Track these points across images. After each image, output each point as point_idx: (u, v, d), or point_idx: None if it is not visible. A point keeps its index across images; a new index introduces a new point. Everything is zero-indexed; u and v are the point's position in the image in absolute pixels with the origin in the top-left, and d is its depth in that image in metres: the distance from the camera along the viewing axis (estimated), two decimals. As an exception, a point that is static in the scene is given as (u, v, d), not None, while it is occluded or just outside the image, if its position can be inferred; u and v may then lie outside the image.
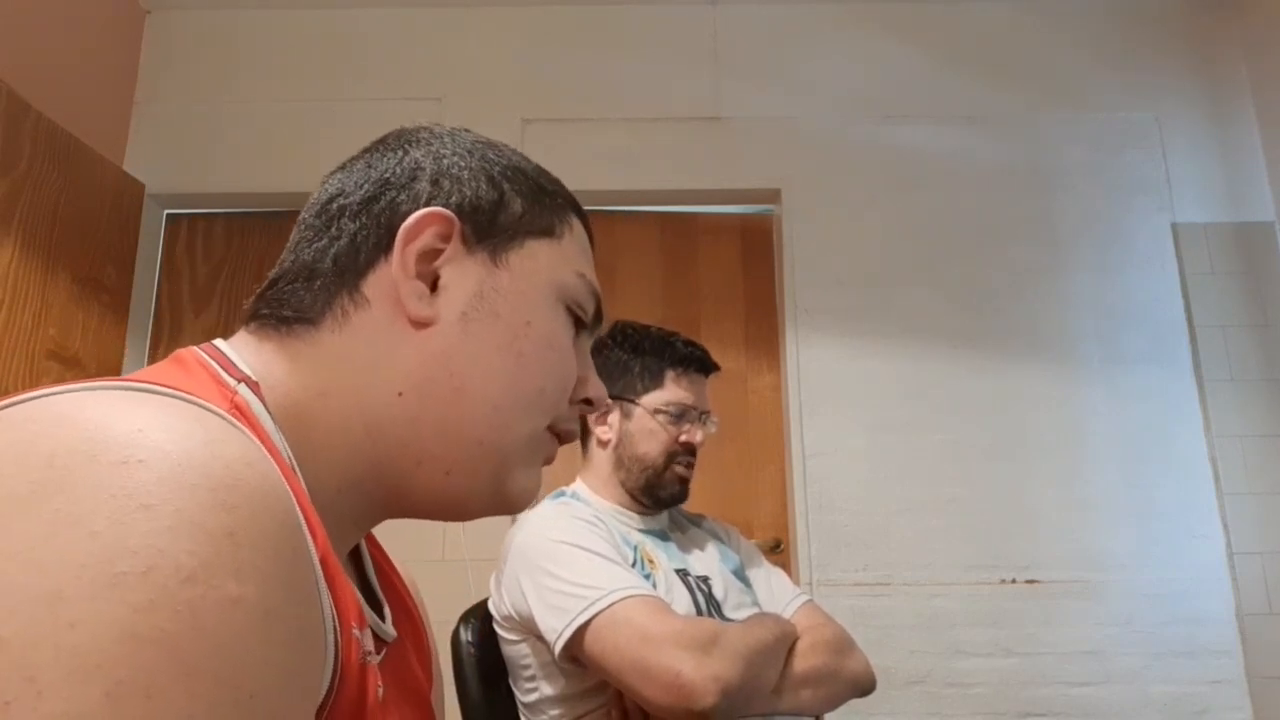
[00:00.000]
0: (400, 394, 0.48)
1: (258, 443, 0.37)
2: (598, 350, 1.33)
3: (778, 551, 2.41)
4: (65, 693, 0.27)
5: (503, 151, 0.56)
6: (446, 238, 0.51)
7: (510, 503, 0.53)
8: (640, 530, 1.26)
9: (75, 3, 2.36)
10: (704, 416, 1.30)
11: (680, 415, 1.27)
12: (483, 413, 0.50)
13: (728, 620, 1.19)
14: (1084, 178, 2.56)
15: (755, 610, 1.24)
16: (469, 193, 0.52)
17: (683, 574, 1.22)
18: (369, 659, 0.42)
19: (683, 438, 1.26)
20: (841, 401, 2.41)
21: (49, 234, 2.06)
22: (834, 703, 1.13)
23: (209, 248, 2.58)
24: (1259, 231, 2.51)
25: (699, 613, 1.17)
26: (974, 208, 2.54)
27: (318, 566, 0.37)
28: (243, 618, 0.30)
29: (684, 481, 1.28)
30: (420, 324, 0.49)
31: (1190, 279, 2.48)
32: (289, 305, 0.50)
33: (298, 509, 0.37)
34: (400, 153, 0.53)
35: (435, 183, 0.52)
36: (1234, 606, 2.27)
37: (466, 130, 0.57)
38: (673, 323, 1.39)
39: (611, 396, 1.29)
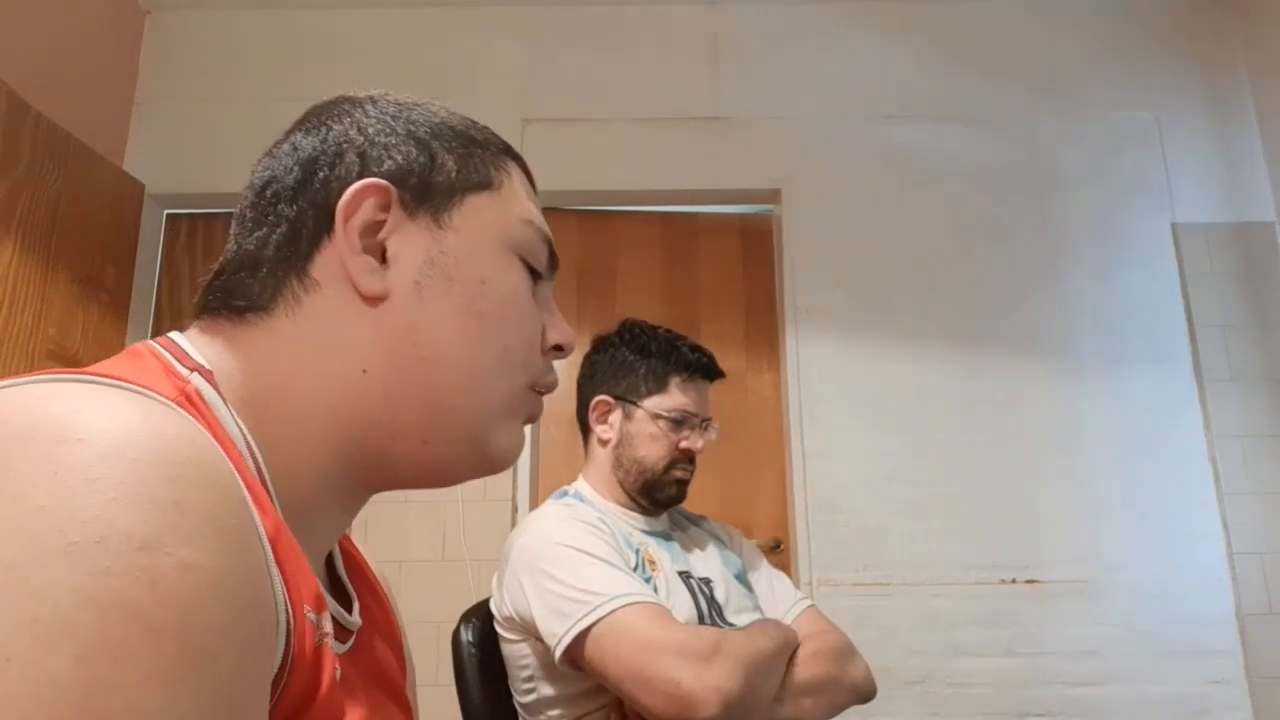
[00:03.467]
0: (365, 371, 0.48)
1: (200, 425, 0.37)
2: (604, 348, 1.33)
3: (778, 552, 2.41)
4: (35, 659, 0.27)
5: (426, 110, 0.55)
6: (386, 207, 0.50)
7: (495, 463, 0.53)
8: (643, 531, 1.26)
9: (75, 3, 2.36)
10: (705, 424, 1.30)
11: (682, 422, 1.26)
12: (452, 379, 0.50)
13: (729, 624, 1.19)
14: (1084, 178, 2.56)
15: (757, 613, 1.24)
16: (399, 158, 0.51)
17: (685, 576, 1.22)
18: (325, 641, 0.42)
19: (683, 444, 1.26)
20: (841, 401, 2.41)
21: (49, 234, 2.06)
22: (834, 711, 1.12)
23: (209, 248, 2.58)
24: (1259, 231, 2.51)
25: (700, 615, 1.17)
26: (974, 208, 2.53)
27: (266, 545, 0.38)
28: (198, 583, 0.31)
29: (682, 484, 1.28)
30: (374, 299, 0.49)
31: (1190, 279, 2.48)
32: (238, 295, 0.49)
33: (243, 488, 0.37)
34: (323, 129, 0.52)
35: (363, 154, 0.51)
36: (1234, 606, 2.27)
37: (385, 93, 0.56)
38: (673, 322, 1.39)
39: (614, 396, 1.29)
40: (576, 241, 2.64)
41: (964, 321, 2.45)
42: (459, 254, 0.51)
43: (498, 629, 1.21)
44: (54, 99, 2.14)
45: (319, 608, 0.42)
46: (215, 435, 0.39)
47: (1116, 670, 2.22)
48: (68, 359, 2.10)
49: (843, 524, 2.33)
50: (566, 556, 1.09)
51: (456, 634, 1.24)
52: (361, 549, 0.63)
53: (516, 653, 1.17)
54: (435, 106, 0.56)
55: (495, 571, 1.23)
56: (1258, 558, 2.30)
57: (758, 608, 1.27)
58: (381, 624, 0.59)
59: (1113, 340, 2.44)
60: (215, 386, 0.45)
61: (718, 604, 1.22)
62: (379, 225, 0.50)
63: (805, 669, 1.10)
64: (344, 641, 0.51)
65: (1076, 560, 2.30)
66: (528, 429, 2.40)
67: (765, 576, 1.34)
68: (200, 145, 2.56)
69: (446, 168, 0.52)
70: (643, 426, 1.26)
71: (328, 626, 0.43)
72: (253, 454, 0.44)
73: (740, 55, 2.67)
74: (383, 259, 0.50)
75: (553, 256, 0.57)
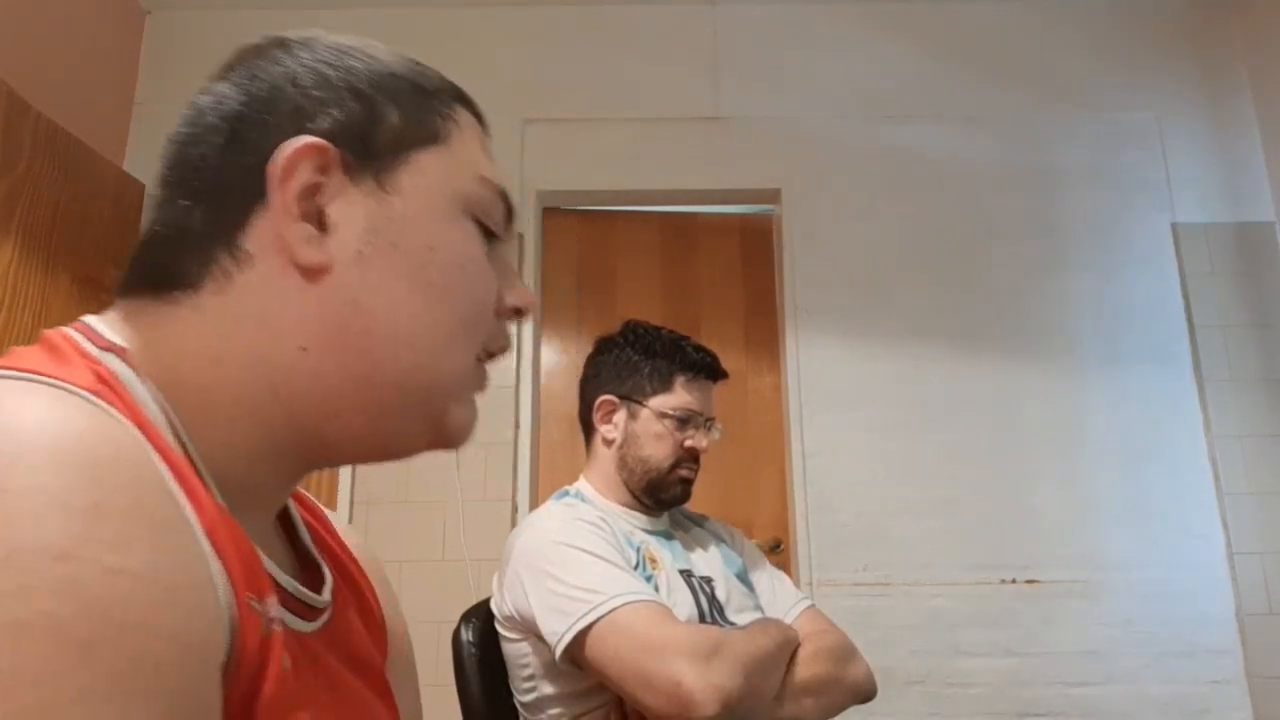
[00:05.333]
0: (304, 349, 0.44)
1: (117, 416, 0.36)
2: (608, 349, 1.33)
3: (778, 551, 2.41)
4: None
5: (367, 55, 0.50)
6: (324, 169, 0.45)
7: (451, 440, 0.50)
8: (644, 530, 1.26)
9: (75, 3, 2.36)
10: (709, 423, 1.30)
11: (686, 421, 1.27)
12: (400, 355, 0.46)
13: (730, 623, 1.19)
14: (1084, 178, 2.56)
15: (757, 613, 1.24)
16: (338, 113, 0.46)
17: (686, 575, 1.22)
18: (273, 628, 0.40)
19: (688, 443, 1.26)
20: (841, 401, 2.41)
21: (49, 234, 2.06)
22: (835, 710, 1.12)
23: (209, 248, 2.58)
24: (1259, 231, 2.51)
25: (701, 614, 1.17)
26: (974, 208, 2.54)
27: (201, 537, 0.36)
28: (128, 587, 0.29)
29: (687, 483, 1.28)
30: (314, 271, 0.44)
31: (1190, 279, 2.48)
32: (162, 272, 0.45)
33: (169, 478, 0.36)
34: (252, 80, 0.47)
35: (297, 110, 0.46)
36: (1234, 606, 2.27)
37: (321, 35, 0.51)
38: (673, 323, 1.39)
39: (619, 396, 1.29)
40: (576, 241, 2.64)
41: (964, 321, 2.45)
42: (405, 219, 0.47)
43: (498, 628, 1.21)
44: (54, 99, 2.14)
45: (263, 594, 0.40)
46: (135, 419, 0.37)
47: (1116, 670, 2.23)
48: (68, 359, 2.10)
49: (843, 524, 2.33)
50: (567, 555, 1.09)
51: (457, 634, 1.24)
52: (341, 529, 0.61)
53: (517, 652, 1.17)
54: (377, 50, 0.51)
55: (495, 571, 1.23)
56: (1258, 558, 2.30)
57: (758, 607, 1.27)
58: (356, 602, 0.57)
59: (1113, 340, 2.44)
60: (131, 365, 0.42)
61: (719, 603, 1.22)
62: (316, 189, 0.45)
63: (806, 669, 1.10)
64: (311, 620, 0.48)
65: (1076, 560, 2.30)
66: (528, 427, 2.41)
67: (766, 576, 1.34)
68: (200, 145, 2.56)
69: (390, 122, 0.48)
70: (648, 426, 1.26)
71: (274, 613, 0.41)
72: (179, 436, 0.41)
73: (740, 55, 2.67)
74: (322, 226, 0.45)
75: (509, 212, 0.53)
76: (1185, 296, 2.47)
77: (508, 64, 2.65)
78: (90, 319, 0.45)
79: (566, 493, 1.30)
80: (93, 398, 0.36)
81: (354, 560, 0.60)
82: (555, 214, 2.65)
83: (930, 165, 2.57)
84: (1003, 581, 2.29)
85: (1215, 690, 2.21)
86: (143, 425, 0.37)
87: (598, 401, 1.31)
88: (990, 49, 2.67)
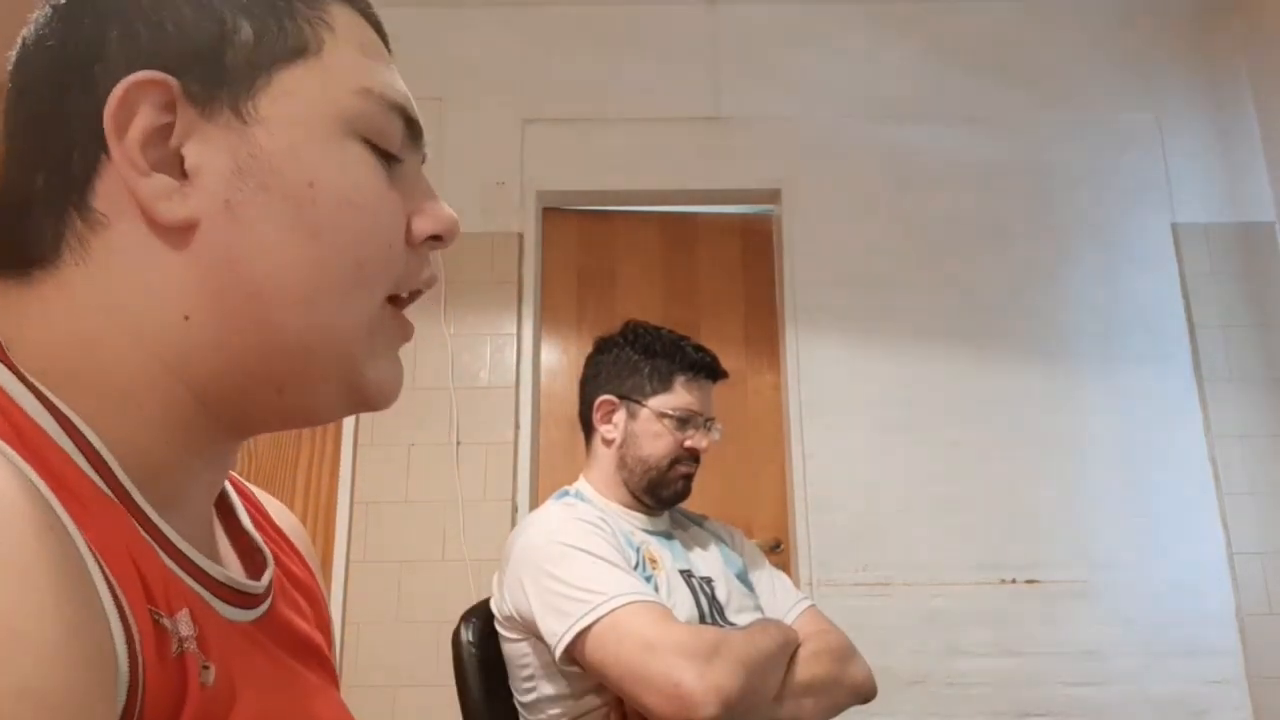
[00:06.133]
0: (187, 318, 0.39)
1: None
2: (607, 349, 1.33)
3: (778, 551, 2.41)
4: None
5: None
6: (170, 106, 0.38)
7: (373, 402, 0.44)
8: (644, 530, 1.26)
9: (75, 2, 2.36)
10: (709, 423, 1.30)
11: (686, 420, 1.27)
12: (295, 315, 0.40)
13: (730, 623, 1.19)
14: (1084, 178, 2.56)
15: (758, 613, 1.24)
16: (175, 35, 0.39)
17: (686, 575, 1.22)
18: (185, 647, 0.35)
19: (688, 443, 1.26)
20: (841, 401, 2.41)
21: (49, 234, 2.06)
22: (835, 711, 1.13)
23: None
24: (1259, 231, 2.51)
25: (701, 614, 1.17)
26: (974, 208, 2.54)
27: (89, 560, 0.32)
28: None
29: (687, 479, 1.28)
30: (179, 229, 0.38)
31: (1190, 279, 2.48)
32: (14, 248, 0.39)
33: (41, 497, 0.31)
34: (81, 5, 0.39)
35: (130, 37, 0.38)
36: (1234, 606, 2.27)
37: None
38: (673, 323, 1.39)
39: (619, 396, 1.29)
40: (576, 241, 2.64)
41: (964, 321, 2.45)
42: (274, 154, 0.39)
43: (498, 628, 1.21)
44: (54, 99, 2.13)
45: (173, 607, 0.36)
46: (15, 426, 0.33)
47: (1116, 670, 2.23)
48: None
49: (843, 524, 2.33)
50: (567, 555, 1.10)
51: (456, 634, 1.24)
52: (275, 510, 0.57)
53: (517, 652, 1.17)
54: None
55: (495, 571, 1.23)
56: (1258, 558, 2.30)
57: (759, 607, 1.27)
58: (297, 586, 0.53)
59: (1113, 340, 2.44)
60: (7, 364, 0.36)
61: (719, 603, 1.22)
62: (167, 131, 0.38)
63: (806, 669, 1.10)
64: (252, 608, 0.44)
65: (1076, 560, 2.30)
66: (528, 427, 2.41)
67: (766, 576, 1.34)
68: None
69: (242, 38, 0.40)
70: (647, 425, 1.27)
71: (185, 629, 0.36)
72: (76, 434, 0.36)
73: (740, 55, 2.67)
74: (182, 174, 0.39)
75: (411, 125, 0.45)
76: (1185, 296, 2.47)
77: (508, 64, 2.65)
78: None
79: (566, 492, 1.30)
80: None
81: (289, 542, 0.56)
82: (555, 214, 2.65)
83: (930, 165, 2.57)
84: (1003, 581, 2.29)
85: (1215, 690, 2.21)
86: (21, 436, 0.33)
87: (598, 401, 1.31)
88: (991, 49, 2.67)
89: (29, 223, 0.39)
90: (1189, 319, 2.46)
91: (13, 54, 0.41)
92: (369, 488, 2.35)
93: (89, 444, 0.37)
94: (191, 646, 0.36)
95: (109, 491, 0.36)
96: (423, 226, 0.45)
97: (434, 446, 2.37)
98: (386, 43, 0.48)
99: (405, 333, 0.46)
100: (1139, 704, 2.20)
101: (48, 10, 0.40)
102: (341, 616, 2.28)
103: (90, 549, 0.32)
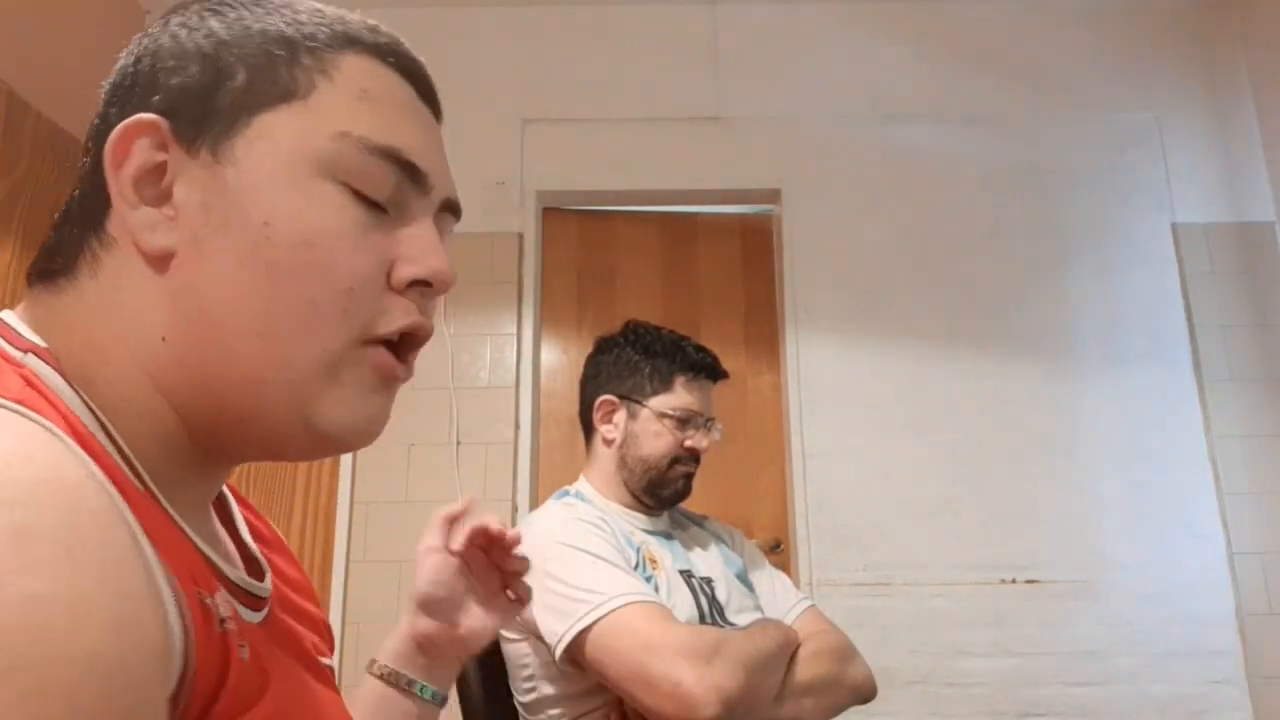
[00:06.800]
0: (164, 339, 0.42)
1: (49, 426, 0.34)
2: (608, 349, 1.33)
3: (778, 551, 2.41)
4: None
5: (246, 13, 0.45)
6: (163, 146, 0.42)
7: (334, 442, 0.45)
8: (644, 531, 1.26)
9: (75, 3, 2.36)
10: (709, 423, 1.30)
11: (686, 421, 1.27)
12: (250, 346, 0.42)
13: (730, 623, 1.19)
14: (1084, 178, 2.56)
15: (758, 613, 1.24)
16: (177, 82, 0.43)
17: (686, 575, 1.22)
18: (226, 626, 0.38)
19: (688, 443, 1.26)
20: (841, 401, 2.41)
21: (49, 234, 2.06)
22: (835, 711, 1.13)
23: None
24: (1259, 231, 2.51)
25: (701, 614, 1.17)
26: (974, 208, 2.54)
27: (144, 543, 0.34)
28: (47, 613, 0.28)
29: (688, 478, 1.28)
30: (157, 257, 0.42)
31: (1190, 279, 2.48)
32: (51, 259, 0.44)
33: (105, 486, 0.34)
34: (131, 54, 0.45)
35: (149, 83, 0.43)
36: (1234, 606, 2.27)
37: None
38: (673, 323, 1.39)
39: (619, 396, 1.29)
40: (576, 241, 2.64)
41: (964, 321, 2.45)
42: (238, 191, 0.42)
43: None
44: (54, 99, 2.13)
45: (212, 589, 0.39)
46: (69, 424, 0.36)
47: (1116, 670, 2.22)
48: (68, 359, 2.10)
49: (843, 524, 2.33)
50: (568, 555, 1.10)
51: (457, 634, 1.24)
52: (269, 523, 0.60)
53: (517, 652, 1.17)
54: (273, 4, 0.46)
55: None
56: (1258, 558, 2.30)
57: (759, 607, 1.27)
58: (295, 587, 0.55)
59: (1113, 340, 2.44)
60: (52, 365, 0.40)
61: (719, 603, 1.22)
62: (162, 169, 0.42)
63: (806, 669, 1.10)
64: (257, 610, 0.47)
65: (1076, 560, 2.30)
66: (528, 427, 2.41)
67: (766, 576, 1.34)
68: (200, 145, 2.56)
69: (234, 83, 0.43)
70: (648, 425, 1.27)
71: (225, 610, 0.39)
72: (109, 433, 0.39)
73: (740, 55, 2.67)
74: (171, 208, 0.42)
75: (409, 170, 0.46)
76: (1185, 296, 2.47)
77: (508, 64, 2.65)
78: (7, 315, 0.43)
79: (566, 492, 1.30)
80: (22, 409, 0.34)
81: (281, 543, 0.59)
82: (555, 214, 2.65)
83: (930, 165, 2.57)
84: (1003, 581, 2.29)
85: (1215, 690, 2.21)
86: (76, 431, 0.36)
87: (598, 401, 1.31)
88: (990, 49, 2.67)
89: (63, 238, 0.44)
90: (1189, 319, 2.46)
91: (104, 83, 0.46)
92: (369, 488, 2.35)
93: (118, 444, 0.40)
94: (231, 626, 0.39)
95: (140, 488, 0.39)
96: (405, 271, 0.45)
97: (434, 446, 2.37)
98: (431, 98, 0.51)
99: (388, 374, 0.46)
100: (1139, 704, 2.20)
101: (120, 59, 0.46)
102: (341, 616, 2.27)
103: (144, 533, 0.35)
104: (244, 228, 0.42)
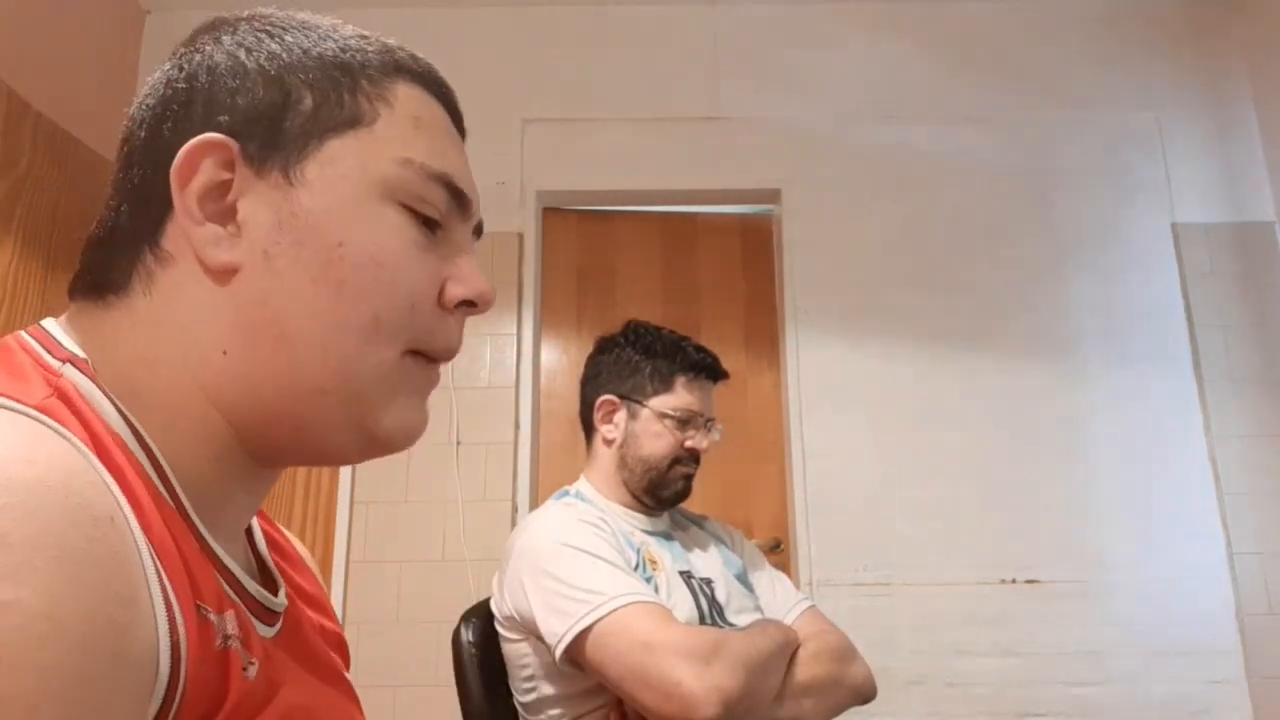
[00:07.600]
0: (225, 352, 0.43)
1: (65, 434, 0.34)
2: (608, 349, 1.33)
3: (778, 551, 2.41)
4: None
5: (301, 36, 0.47)
6: (230, 165, 0.44)
7: (385, 446, 0.48)
8: (644, 531, 1.26)
9: (75, 3, 2.36)
10: (710, 424, 1.30)
11: (686, 421, 1.27)
12: (314, 359, 0.44)
13: (730, 624, 1.19)
14: (1084, 178, 2.56)
15: (757, 614, 1.24)
16: (244, 103, 0.44)
17: (686, 576, 1.22)
18: (230, 644, 0.39)
19: (688, 444, 1.26)
20: (841, 401, 2.41)
21: (49, 234, 2.06)
22: (835, 711, 1.13)
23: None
24: (1259, 231, 2.51)
25: (701, 615, 1.17)
26: (974, 208, 2.53)
27: (147, 557, 0.34)
28: (17, 622, 0.28)
29: (688, 478, 1.28)
30: (223, 273, 0.43)
31: (1190, 279, 2.48)
32: (97, 274, 0.45)
33: (113, 497, 0.34)
34: (175, 72, 0.46)
35: (210, 101, 0.44)
36: (1234, 606, 2.27)
37: (264, 13, 0.48)
38: (673, 323, 1.39)
39: (619, 396, 1.29)
40: (576, 241, 2.64)
41: (964, 322, 2.45)
42: (312, 213, 0.44)
43: (498, 628, 1.21)
44: (54, 99, 2.13)
45: (221, 607, 0.39)
46: (93, 434, 0.36)
47: (1116, 670, 2.22)
48: (68, 359, 2.10)
49: (843, 524, 2.33)
50: (568, 556, 1.10)
51: (456, 634, 1.24)
52: (289, 536, 0.61)
53: (517, 652, 1.17)
54: (317, 27, 0.48)
55: (495, 571, 1.23)
56: (1258, 558, 2.30)
57: (758, 608, 1.27)
58: (311, 602, 0.56)
59: (1113, 340, 2.44)
60: (90, 376, 0.41)
61: (718, 604, 1.22)
62: (226, 186, 0.44)
63: (806, 669, 1.10)
64: (271, 624, 0.48)
65: (1076, 560, 2.29)
66: (528, 427, 2.41)
67: (766, 577, 1.34)
68: (200, 145, 2.56)
69: (302, 108, 0.45)
70: (648, 425, 1.27)
71: (231, 628, 0.39)
72: (145, 446, 0.40)
73: (740, 55, 2.67)
74: (235, 225, 0.44)
75: (457, 195, 0.49)
76: (1185, 296, 2.47)
77: (508, 64, 2.65)
78: (49, 324, 0.44)
79: (566, 492, 1.30)
80: (40, 415, 0.34)
81: (299, 558, 0.60)
82: (555, 214, 2.65)
83: (930, 165, 2.57)
84: (1003, 581, 2.29)
85: (1215, 690, 2.21)
86: (98, 442, 0.36)
87: (598, 401, 1.31)
88: (990, 49, 2.67)
89: (112, 253, 0.45)
90: (1189, 319, 2.46)
91: (135, 99, 0.47)
92: (369, 488, 2.35)
93: (155, 456, 0.41)
94: (235, 645, 0.39)
95: (169, 501, 0.40)
96: (455, 291, 0.48)
97: (434, 447, 2.37)
98: (460, 121, 0.53)
99: (427, 383, 0.49)
100: (1139, 704, 2.20)
101: (158, 73, 0.47)
102: (341, 617, 2.27)
103: (146, 542, 0.35)
104: (318, 247, 0.44)
